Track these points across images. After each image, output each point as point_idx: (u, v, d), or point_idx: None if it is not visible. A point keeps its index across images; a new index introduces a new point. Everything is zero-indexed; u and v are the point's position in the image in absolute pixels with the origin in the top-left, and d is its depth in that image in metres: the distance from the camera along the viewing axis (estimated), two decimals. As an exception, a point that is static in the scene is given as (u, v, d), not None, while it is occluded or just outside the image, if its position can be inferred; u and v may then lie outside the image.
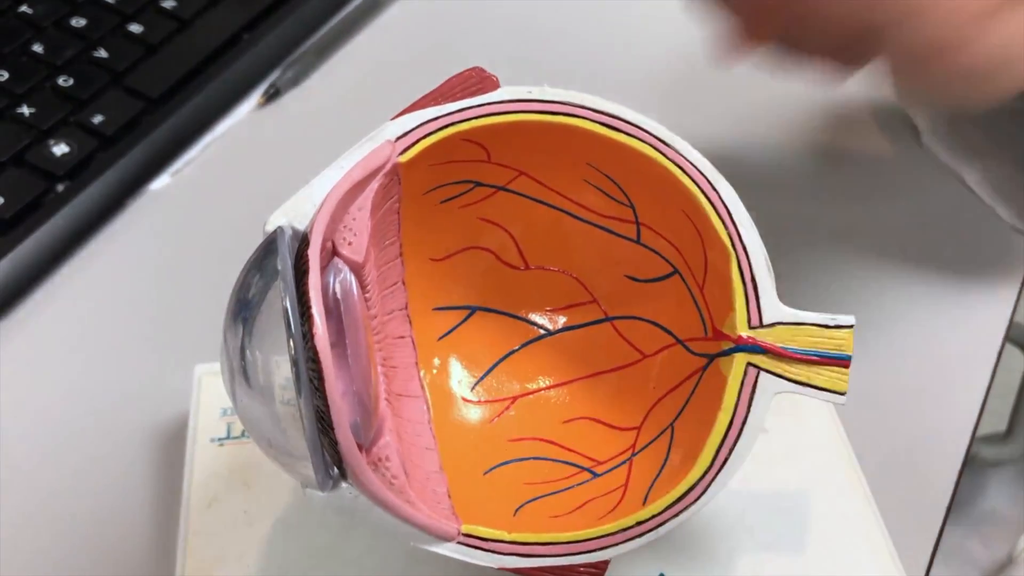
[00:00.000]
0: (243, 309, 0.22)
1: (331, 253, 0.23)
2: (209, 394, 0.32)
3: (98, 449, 0.33)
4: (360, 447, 0.22)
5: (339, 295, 0.22)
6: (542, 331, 0.30)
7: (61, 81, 0.42)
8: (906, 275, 0.40)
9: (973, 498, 0.55)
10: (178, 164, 0.43)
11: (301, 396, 0.21)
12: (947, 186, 0.43)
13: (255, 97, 0.46)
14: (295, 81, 0.47)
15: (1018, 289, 0.40)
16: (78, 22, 0.45)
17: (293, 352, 0.21)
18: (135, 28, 0.45)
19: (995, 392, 0.37)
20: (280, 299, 0.21)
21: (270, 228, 0.23)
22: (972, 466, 0.55)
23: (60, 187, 0.39)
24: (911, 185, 0.43)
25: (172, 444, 0.33)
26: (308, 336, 0.21)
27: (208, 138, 0.44)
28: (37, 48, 0.44)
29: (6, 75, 0.42)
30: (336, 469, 0.22)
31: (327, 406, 0.21)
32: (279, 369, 0.21)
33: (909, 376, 0.37)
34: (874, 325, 0.37)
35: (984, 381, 0.37)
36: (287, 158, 0.41)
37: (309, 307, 0.21)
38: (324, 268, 0.23)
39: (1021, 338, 0.58)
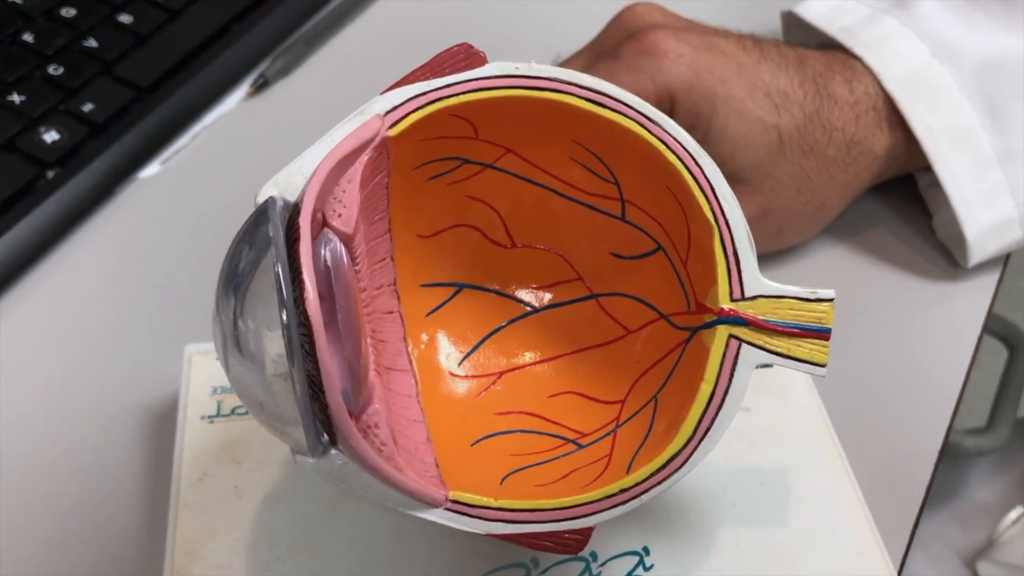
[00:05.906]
0: (235, 276, 0.22)
1: (321, 224, 0.24)
2: (199, 373, 0.32)
3: (90, 428, 0.34)
4: (350, 414, 0.23)
5: (330, 263, 0.23)
6: (528, 308, 0.30)
7: (51, 70, 0.43)
8: (888, 260, 0.40)
9: (954, 487, 0.56)
10: (167, 153, 0.43)
11: (293, 360, 0.21)
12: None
13: (244, 87, 0.46)
14: (284, 71, 0.47)
15: (996, 281, 0.40)
16: (68, 12, 0.45)
17: (285, 317, 0.21)
18: (125, 18, 0.45)
19: (979, 387, 0.37)
20: (272, 266, 0.22)
21: (261, 199, 0.23)
22: (953, 457, 0.56)
23: (51, 173, 0.40)
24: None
25: (163, 423, 0.33)
26: (300, 301, 0.21)
27: (197, 127, 0.44)
28: (27, 37, 0.44)
29: (-4, 63, 0.43)
30: (326, 435, 0.23)
31: (318, 371, 0.21)
32: (271, 335, 0.22)
33: (890, 363, 0.37)
34: (856, 310, 0.38)
35: (964, 368, 0.37)
36: (275, 148, 0.41)
37: (300, 273, 0.21)
38: (314, 238, 0.23)
39: (1000, 330, 0.59)
